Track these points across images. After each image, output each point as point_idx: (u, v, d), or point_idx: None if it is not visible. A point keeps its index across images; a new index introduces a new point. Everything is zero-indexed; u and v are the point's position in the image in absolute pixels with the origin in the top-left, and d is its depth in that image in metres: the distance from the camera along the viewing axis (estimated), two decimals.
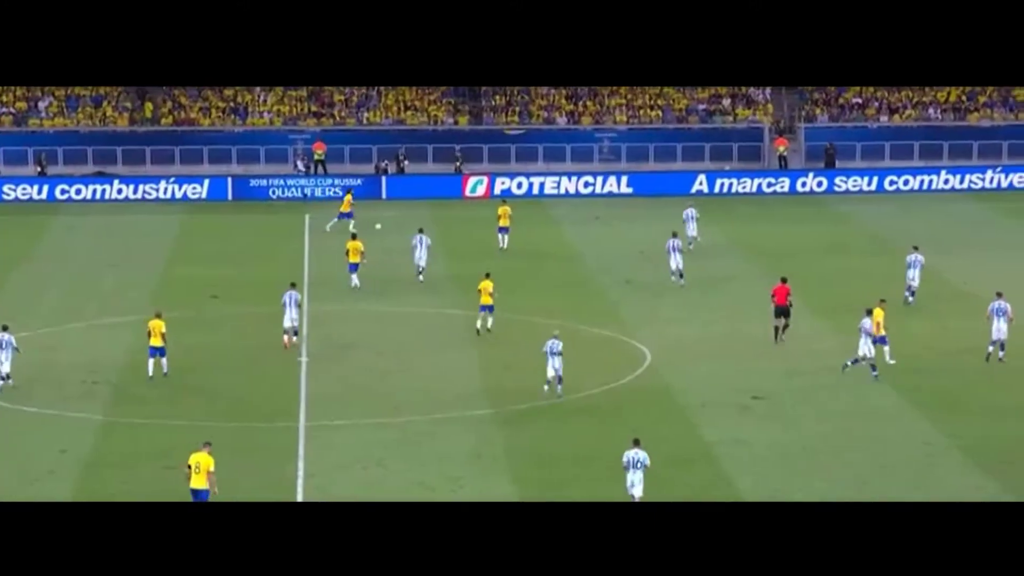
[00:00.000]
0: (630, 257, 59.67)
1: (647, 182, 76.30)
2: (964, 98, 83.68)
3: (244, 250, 62.25)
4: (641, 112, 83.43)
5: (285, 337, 45.15)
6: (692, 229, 60.47)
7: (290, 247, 62.32)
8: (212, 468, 31.28)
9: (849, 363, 42.22)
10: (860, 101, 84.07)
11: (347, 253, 54.04)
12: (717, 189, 76.54)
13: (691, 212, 61.24)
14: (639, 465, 31.72)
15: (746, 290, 54.03)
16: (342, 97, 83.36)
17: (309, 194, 75.52)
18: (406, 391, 41.35)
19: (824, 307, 50.01)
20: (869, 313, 42.47)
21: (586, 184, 76.75)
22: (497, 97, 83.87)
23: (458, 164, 78.41)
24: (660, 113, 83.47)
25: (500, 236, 60.77)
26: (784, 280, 46.81)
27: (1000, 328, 43.17)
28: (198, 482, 31.29)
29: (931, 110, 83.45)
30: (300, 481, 34.16)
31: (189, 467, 31.50)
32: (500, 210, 61.45)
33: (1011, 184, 76.84)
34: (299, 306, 45.97)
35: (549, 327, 48.27)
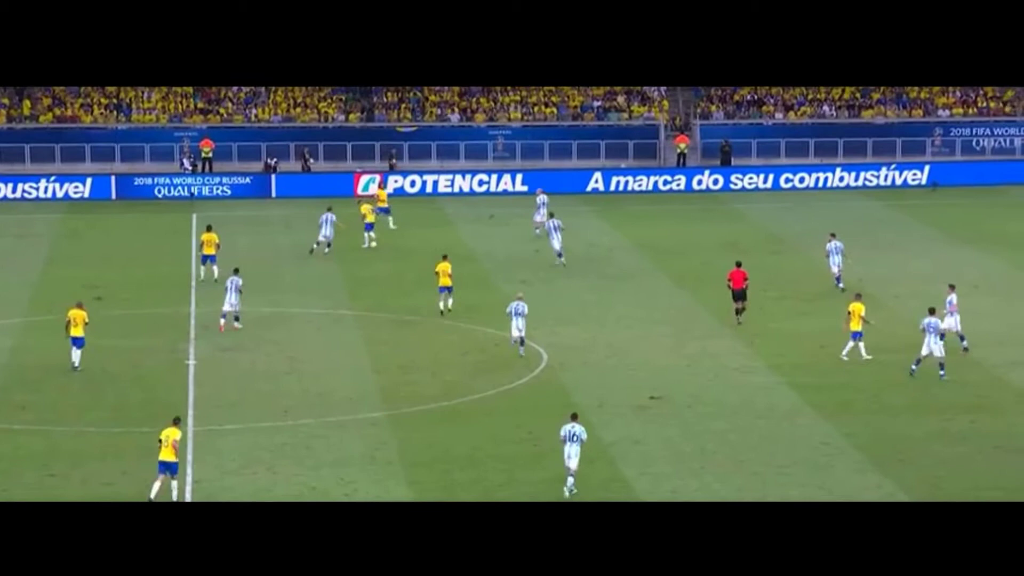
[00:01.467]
0: (526, 256, 59.21)
1: (542, 180, 75.70)
2: (858, 95, 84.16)
3: (129, 250, 61.17)
4: (535, 109, 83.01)
5: (222, 321, 46.34)
6: (541, 215, 61.99)
7: (176, 247, 61.13)
8: (178, 437, 32.57)
9: (914, 366, 41.62)
10: (755, 98, 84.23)
11: (201, 245, 54.03)
12: (613, 187, 76.30)
13: (543, 199, 63.00)
14: (575, 439, 32.92)
15: (643, 288, 53.81)
16: (229, 93, 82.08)
17: (196, 193, 74.27)
18: (297, 394, 40.61)
19: (720, 306, 49.83)
20: (932, 312, 41.91)
21: (480, 182, 76.21)
22: (389, 94, 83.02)
23: (392, 161, 77.62)
24: (555, 110, 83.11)
25: (366, 234, 60.53)
26: (739, 264, 48.00)
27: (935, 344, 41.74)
28: (166, 454, 32.17)
29: (826, 107, 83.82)
30: (189, 487, 33.37)
31: (160, 441, 32.37)
32: (363, 208, 61.35)
33: (905, 181, 77.40)
34: (240, 291, 46.81)
35: (444, 326, 47.77)
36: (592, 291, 53.25)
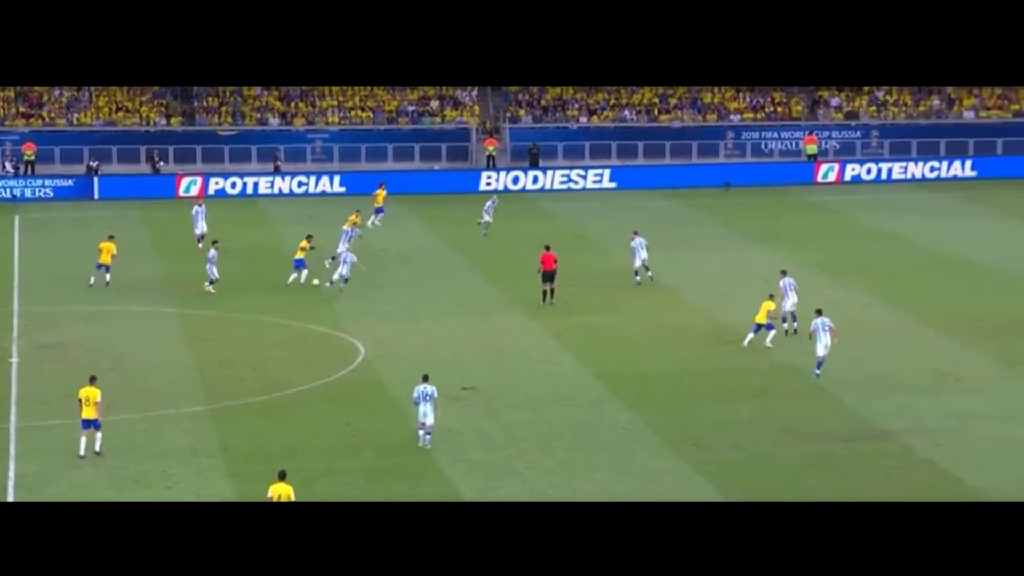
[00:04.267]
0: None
1: (359, 181, 77.23)
2: (656, 100, 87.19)
3: None
4: (352, 113, 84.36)
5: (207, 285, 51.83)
6: (489, 215, 65.66)
7: None
8: (99, 399, 35.36)
9: (817, 370, 42.49)
10: (560, 102, 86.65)
11: (99, 252, 54.57)
12: (427, 188, 78.00)
13: (492, 203, 66.35)
14: (428, 398, 36.17)
15: (456, 285, 55.23)
16: (51, 97, 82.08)
17: (19, 195, 74.26)
18: (120, 389, 40.81)
19: (529, 301, 51.63)
20: (819, 312, 42.95)
21: (299, 184, 77.38)
22: (209, 98, 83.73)
23: (277, 163, 78.28)
24: (371, 114, 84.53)
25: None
26: (548, 248, 50.89)
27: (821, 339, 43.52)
28: (88, 413, 35.28)
29: (627, 112, 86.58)
30: (11, 482, 33.76)
31: (80, 400, 35.34)
32: (351, 218, 61.11)
33: (700, 182, 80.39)
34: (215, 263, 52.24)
35: (266, 323, 48.72)
36: (408, 288, 54.43)
